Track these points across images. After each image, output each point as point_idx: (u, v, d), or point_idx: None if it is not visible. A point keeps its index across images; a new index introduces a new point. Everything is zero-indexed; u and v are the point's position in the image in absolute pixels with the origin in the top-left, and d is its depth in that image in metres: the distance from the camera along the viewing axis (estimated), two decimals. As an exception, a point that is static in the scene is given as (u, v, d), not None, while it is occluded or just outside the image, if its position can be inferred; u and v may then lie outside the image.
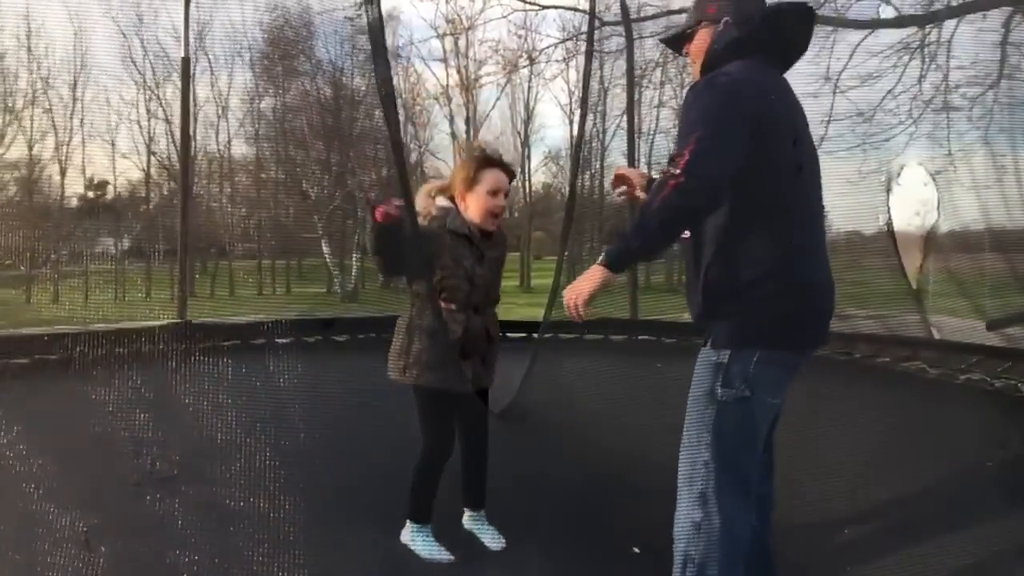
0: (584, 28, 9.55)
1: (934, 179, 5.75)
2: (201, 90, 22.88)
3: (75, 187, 23.67)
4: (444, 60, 21.42)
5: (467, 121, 22.48)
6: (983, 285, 6.27)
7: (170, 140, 22.13)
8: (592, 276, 2.10)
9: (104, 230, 25.34)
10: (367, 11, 2.14)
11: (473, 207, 2.84)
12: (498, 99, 22.70)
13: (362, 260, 22.60)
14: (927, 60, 7.41)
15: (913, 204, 5.62)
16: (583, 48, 8.90)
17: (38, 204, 21.90)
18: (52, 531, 1.25)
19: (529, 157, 23.06)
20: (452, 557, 2.87)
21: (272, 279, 25.01)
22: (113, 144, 22.68)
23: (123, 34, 22.29)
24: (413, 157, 21.90)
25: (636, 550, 2.94)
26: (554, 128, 29.51)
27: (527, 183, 24.26)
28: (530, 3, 9.33)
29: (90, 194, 24.99)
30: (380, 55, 2.14)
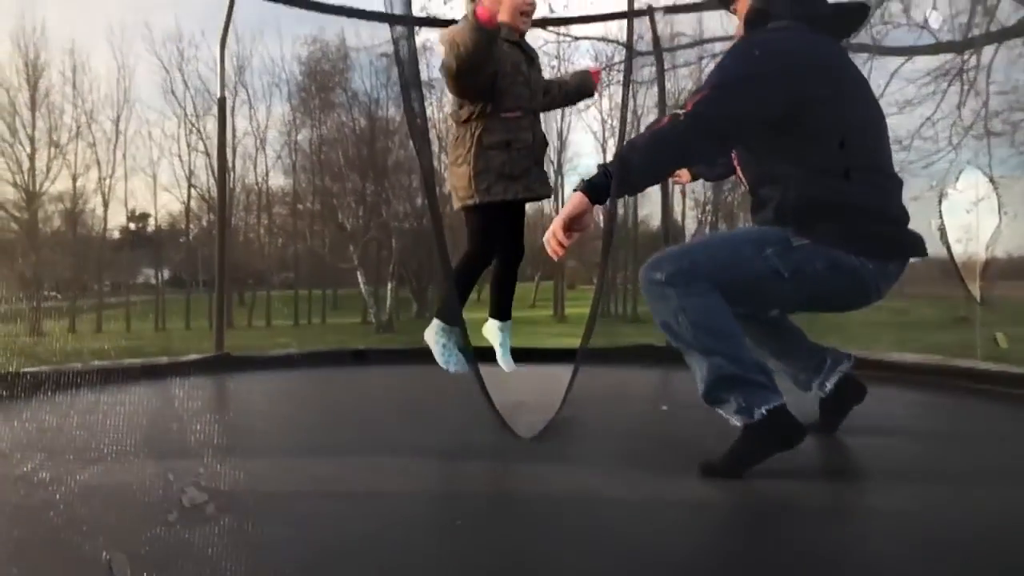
0: (616, 58, 9.59)
1: (984, 201, 5.60)
2: (240, 123, 23.49)
3: (118, 219, 24.27)
4: (478, 91, 21.54)
5: (501, 151, 22.59)
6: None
7: (210, 173, 22.67)
8: (569, 202, 2.03)
9: (145, 261, 25.96)
10: (399, 46, 2.14)
11: (505, 7, 2.80)
12: (531, 129, 22.72)
13: (396, 290, 22.82)
14: (966, 86, 7.31)
15: (967, 224, 5.46)
16: (616, 78, 8.92)
17: (81, 236, 22.50)
18: (77, 558, 1.23)
19: (562, 186, 23.10)
20: (462, 369, 2.75)
21: (308, 309, 25.34)
22: (154, 177, 23.32)
23: (165, 69, 23.07)
24: (447, 186, 22.03)
25: (664, 407, 2.93)
26: (587, 157, 29.49)
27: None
28: (563, 34, 9.39)
29: (131, 226, 25.65)
30: (415, 89, 2.15)
